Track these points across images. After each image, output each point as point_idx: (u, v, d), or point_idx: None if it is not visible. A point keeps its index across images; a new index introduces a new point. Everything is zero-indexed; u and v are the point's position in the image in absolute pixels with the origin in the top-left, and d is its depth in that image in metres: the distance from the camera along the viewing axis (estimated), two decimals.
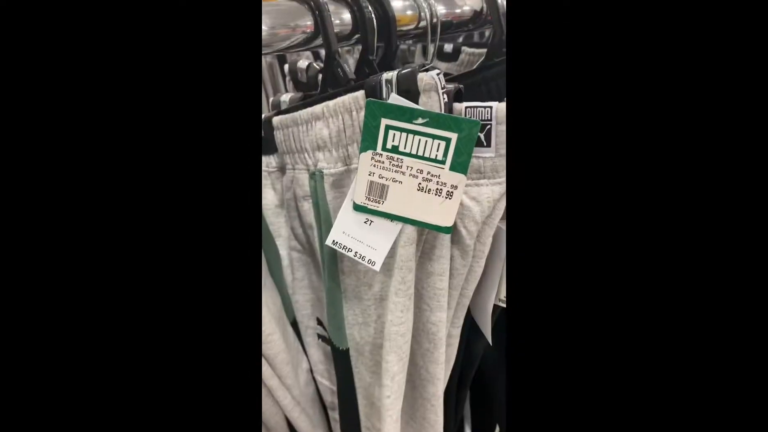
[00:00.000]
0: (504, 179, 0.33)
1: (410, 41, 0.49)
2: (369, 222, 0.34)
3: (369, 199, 0.33)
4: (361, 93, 0.33)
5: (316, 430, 0.52)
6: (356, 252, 0.35)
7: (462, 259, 0.36)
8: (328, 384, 0.51)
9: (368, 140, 0.31)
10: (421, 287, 0.38)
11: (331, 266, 0.40)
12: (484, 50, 0.57)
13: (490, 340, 0.45)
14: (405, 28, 0.43)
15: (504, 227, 0.37)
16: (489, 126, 0.31)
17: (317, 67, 0.48)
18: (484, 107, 0.30)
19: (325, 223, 0.38)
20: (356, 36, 0.39)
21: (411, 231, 0.34)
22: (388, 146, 0.30)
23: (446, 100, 0.30)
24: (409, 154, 0.30)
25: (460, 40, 0.67)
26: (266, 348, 0.42)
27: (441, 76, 0.30)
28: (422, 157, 0.30)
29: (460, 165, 0.30)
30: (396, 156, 0.31)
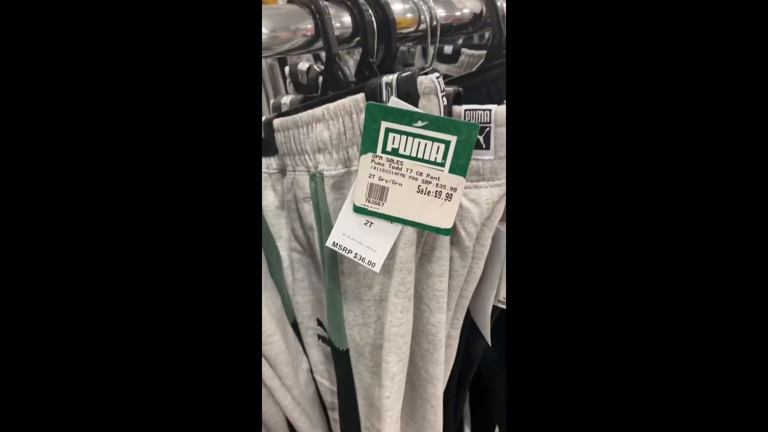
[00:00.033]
0: (503, 181, 0.33)
1: (410, 43, 0.49)
2: (369, 224, 0.34)
3: (369, 201, 0.33)
4: (361, 96, 0.33)
5: (316, 430, 0.53)
6: (356, 253, 0.35)
7: (461, 260, 0.36)
8: (328, 384, 0.51)
9: (368, 143, 0.31)
10: (420, 288, 0.38)
11: (332, 267, 0.40)
12: (484, 52, 0.57)
13: (489, 341, 0.45)
14: (405, 31, 0.44)
15: (503, 229, 0.37)
16: (488, 129, 0.31)
17: (317, 69, 0.48)
18: (483, 110, 0.31)
19: (325, 224, 0.38)
20: (356, 39, 0.40)
21: (411, 233, 0.34)
22: (388, 149, 0.31)
23: (446, 103, 0.30)
24: (409, 157, 0.31)
25: (460, 41, 0.67)
26: (267, 349, 0.43)
27: (440, 79, 0.30)
28: (422, 160, 0.31)
29: (460, 167, 0.30)
30: (396, 158, 0.31)
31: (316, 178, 0.38)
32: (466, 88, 0.45)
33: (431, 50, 0.47)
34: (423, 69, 0.30)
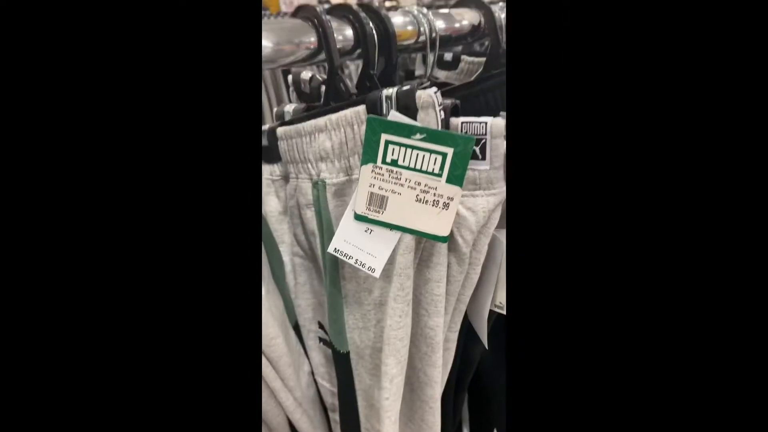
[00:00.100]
0: (498, 190, 0.34)
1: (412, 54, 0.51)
2: (369, 231, 0.35)
3: (369, 209, 0.34)
4: (362, 108, 0.34)
5: (316, 431, 0.54)
6: (357, 259, 0.36)
7: (458, 266, 0.38)
8: (328, 386, 0.52)
9: (369, 154, 0.32)
10: (419, 293, 0.39)
11: (333, 272, 0.41)
12: (484, 59, 0.58)
13: (486, 344, 0.46)
14: (405, 43, 0.45)
15: (499, 235, 0.39)
16: (484, 140, 0.32)
17: (320, 78, 0.49)
18: (480, 122, 0.32)
19: (327, 230, 0.40)
20: (358, 51, 0.41)
21: (409, 240, 0.36)
22: (388, 160, 0.32)
23: (443, 116, 0.31)
24: (408, 168, 0.32)
25: (460, 49, 0.68)
26: (270, 351, 0.44)
27: (438, 93, 0.31)
28: (420, 170, 0.32)
29: (456, 178, 0.31)
30: (395, 169, 0.32)
31: (318, 185, 0.39)
32: (465, 97, 0.46)
33: (431, 57, 0.49)
34: (422, 83, 0.32)
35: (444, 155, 0.31)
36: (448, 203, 0.32)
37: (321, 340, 0.50)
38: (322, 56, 0.39)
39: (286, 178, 0.44)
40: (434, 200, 0.33)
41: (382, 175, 0.33)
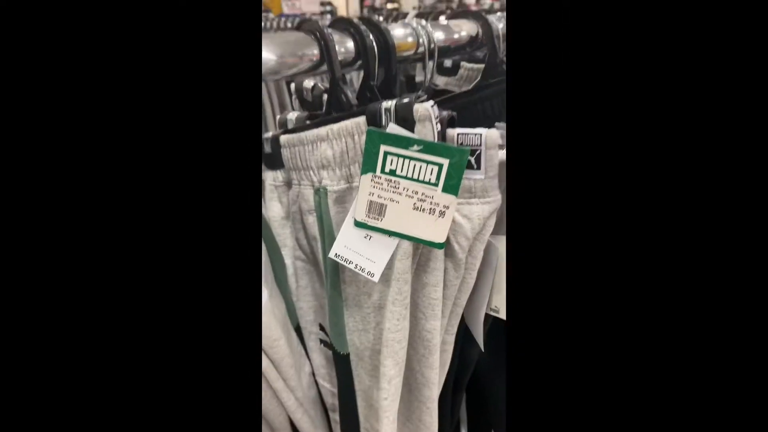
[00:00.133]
0: (493, 198, 0.36)
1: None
2: (368, 237, 0.37)
3: (369, 217, 0.36)
4: (362, 119, 0.36)
5: (317, 430, 0.54)
6: (356, 264, 0.38)
7: (455, 271, 0.39)
8: (329, 387, 0.53)
9: (369, 164, 0.34)
10: (416, 297, 0.41)
11: (334, 276, 0.43)
12: (482, 65, 0.59)
13: (482, 347, 0.47)
14: (405, 54, 0.46)
15: (494, 242, 0.40)
16: (479, 151, 0.34)
17: (322, 87, 0.51)
18: (475, 134, 0.33)
19: (328, 235, 0.41)
20: (359, 62, 0.42)
21: (407, 246, 0.37)
22: (387, 170, 0.33)
23: (440, 128, 0.33)
24: (406, 177, 0.33)
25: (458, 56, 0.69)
26: (273, 352, 0.45)
27: (435, 107, 0.32)
28: (417, 180, 0.33)
29: (452, 187, 0.33)
30: (393, 178, 0.34)
31: (320, 192, 0.40)
32: (464, 105, 0.48)
33: (429, 69, 0.50)
34: (419, 96, 0.33)
35: (440, 166, 0.32)
36: (444, 211, 0.34)
37: (322, 341, 0.51)
38: (325, 67, 0.40)
39: (288, 184, 0.45)
40: (431, 208, 0.34)
41: (381, 184, 0.34)
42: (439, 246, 0.35)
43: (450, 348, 0.46)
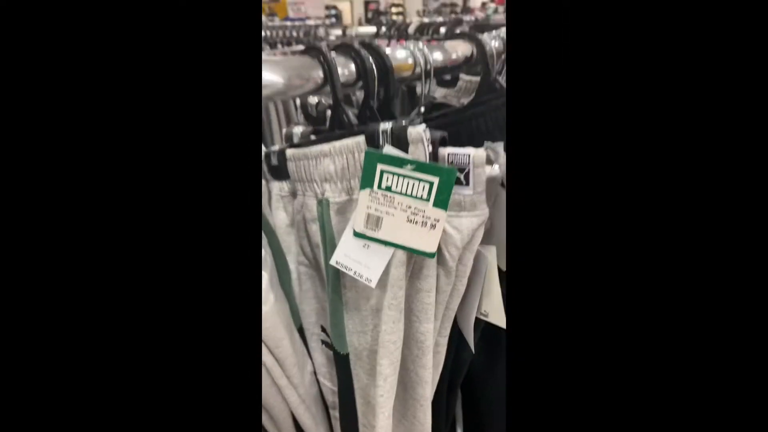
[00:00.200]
0: (480, 212, 0.39)
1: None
2: (366, 246, 0.40)
3: (367, 228, 0.39)
4: (362, 138, 0.39)
5: (318, 426, 0.56)
6: (355, 271, 0.41)
7: (446, 278, 0.42)
8: (329, 385, 0.56)
9: (367, 181, 0.37)
10: (411, 302, 0.43)
11: (335, 281, 0.45)
12: (479, 77, 0.62)
13: (473, 348, 0.50)
14: (404, 75, 0.49)
15: (484, 251, 0.43)
16: (467, 170, 0.37)
17: (326, 104, 0.54)
18: (463, 154, 0.36)
19: (330, 243, 0.44)
20: (359, 83, 0.45)
21: (401, 255, 0.40)
22: (383, 186, 0.37)
23: (431, 149, 0.36)
24: (400, 193, 0.37)
25: None
26: (277, 351, 0.47)
27: (427, 130, 0.36)
28: (410, 196, 0.36)
29: (442, 202, 0.36)
30: (389, 194, 0.37)
31: (322, 203, 0.43)
32: (458, 121, 0.51)
33: (426, 87, 0.53)
34: (413, 120, 0.36)
35: (431, 183, 0.35)
36: (435, 224, 0.37)
37: (323, 342, 0.54)
38: (328, 88, 0.44)
39: (293, 194, 0.48)
40: (423, 221, 0.37)
41: (378, 199, 0.37)
42: (431, 255, 0.39)
43: (443, 349, 0.48)
